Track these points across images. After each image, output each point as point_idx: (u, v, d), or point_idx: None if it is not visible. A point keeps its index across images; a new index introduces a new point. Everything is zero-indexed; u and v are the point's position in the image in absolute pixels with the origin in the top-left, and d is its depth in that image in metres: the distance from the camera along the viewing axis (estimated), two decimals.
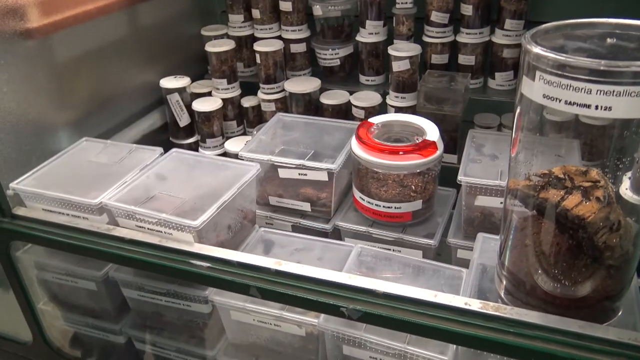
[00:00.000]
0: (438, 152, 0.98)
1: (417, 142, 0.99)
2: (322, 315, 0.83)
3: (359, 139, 1.00)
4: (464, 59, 1.32)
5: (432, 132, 1.01)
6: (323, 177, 1.02)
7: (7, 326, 1.16)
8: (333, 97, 1.34)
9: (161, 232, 0.88)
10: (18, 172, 1.00)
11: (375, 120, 1.06)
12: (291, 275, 0.78)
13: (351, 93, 1.34)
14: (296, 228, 1.09)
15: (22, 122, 1.00)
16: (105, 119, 1.25)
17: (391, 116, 1.07)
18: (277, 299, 0.78)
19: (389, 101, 1.31)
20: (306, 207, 1.07)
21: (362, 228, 1.03)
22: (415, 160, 0.96)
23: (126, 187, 0.95)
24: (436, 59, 1.33)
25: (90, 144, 1.11)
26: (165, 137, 1.41)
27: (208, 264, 0.82)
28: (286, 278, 0.78)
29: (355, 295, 0.74)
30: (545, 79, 0.57)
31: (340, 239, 1.07)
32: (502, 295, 0.76)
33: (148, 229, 0.89)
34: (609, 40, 0.60)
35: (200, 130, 1.37)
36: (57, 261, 1.00)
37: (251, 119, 1.46)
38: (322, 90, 1.37)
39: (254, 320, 0.88)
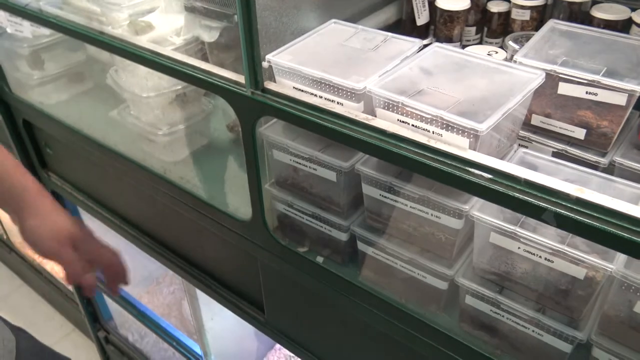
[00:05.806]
0: None
1: None
2: (620, 259, 0.70)
3: None
4: None
5: None
6: (619, 100, 0.84)
7: (229, 203, 1.19)
8: (608, 11, 1.11)
9: (428, 131, 0.79)
10: (273, 45, 0.95)
11: None
12: (597, 207, 0.65)
13: (632, 10, 1.10)
14: (557, 155, 0.93)
15: None
16: (347, 4, 1.16)
17: None
18: (580, 232, 0.65)
19: None
20: (579, 133, 0.90)
21: None
22: None
23: (389, 76, 0.86)
24: None
25: (339, 27, 1.03)
26: None
27: (489, 176, 0.71)
28: (590, 209, 0.65)
29: None
30: None
31: None
32: None
33: (412, 125, 0.80)
34: None
35: (439, 32, 1.23)
36: (300, 144, 0.96)
37: (494, 28, 1.28)
38: (593, 2, 1.15)
39: (519, 248, 0.77)
